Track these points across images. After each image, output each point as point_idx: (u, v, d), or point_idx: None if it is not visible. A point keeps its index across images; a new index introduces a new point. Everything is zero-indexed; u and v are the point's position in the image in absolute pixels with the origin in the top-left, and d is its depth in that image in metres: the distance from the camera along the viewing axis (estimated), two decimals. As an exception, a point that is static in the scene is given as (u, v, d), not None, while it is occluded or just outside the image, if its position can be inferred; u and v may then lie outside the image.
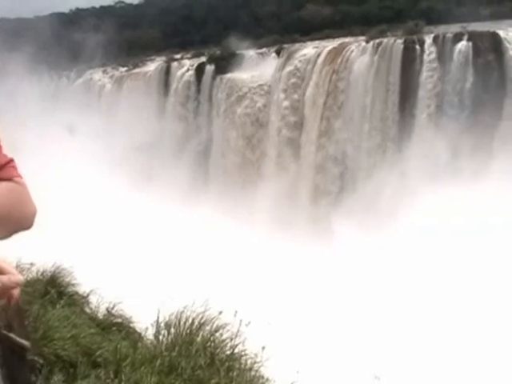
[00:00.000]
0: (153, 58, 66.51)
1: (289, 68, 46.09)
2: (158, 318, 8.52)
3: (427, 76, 38.83)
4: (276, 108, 46.51)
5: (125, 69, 64.09)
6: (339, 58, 43.10)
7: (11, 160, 2.79)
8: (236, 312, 9.64)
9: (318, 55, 44.77)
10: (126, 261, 33.29)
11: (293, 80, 45.58)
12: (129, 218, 41.39)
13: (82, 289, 12.23)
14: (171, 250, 36.43)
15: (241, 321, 9.33)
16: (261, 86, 48.88)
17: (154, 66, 61.40)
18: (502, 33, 37.79)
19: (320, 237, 38.89)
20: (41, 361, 7.20)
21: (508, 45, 36.99)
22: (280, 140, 46.30)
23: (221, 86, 51.59)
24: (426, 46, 39.51)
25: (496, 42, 37.38)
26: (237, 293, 23.28)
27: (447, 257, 29.81)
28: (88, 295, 12.04)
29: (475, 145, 35.78)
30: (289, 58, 46.76)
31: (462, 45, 38.13)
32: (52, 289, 11.24)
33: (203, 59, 56.12)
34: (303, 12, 70.06)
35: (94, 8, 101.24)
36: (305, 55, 45.86)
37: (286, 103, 45.78)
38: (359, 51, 42.28)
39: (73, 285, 12.11)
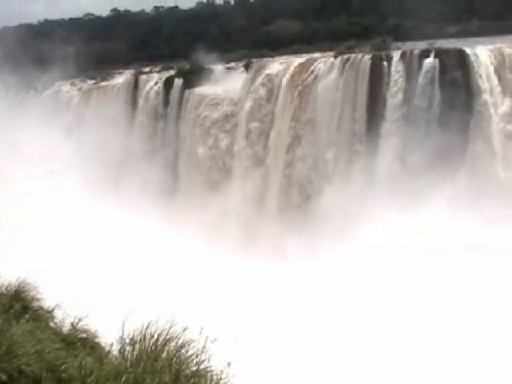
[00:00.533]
0: (121, 70, 66.38)
1: (257, 82, 46.10)
2: (123, 333, 8.45)
3: (394, 92, 39.03)
4: (244, 122, 46.46)
5: (93, 81, 63.90)
6: (307, 72, 43.22)
7: None
8: (202, 329, 9.60)
9: (287, 70, 44.86)
10: (90, 274, 33.13)
11: (261, 94, 45.60)
12: (94, 231, 41.17)
13: (47, 303, 12.11)
14: (137, 264, 36.33)
15: (206, 337, 9.29)
16: (229, 99, 48.88)
17: (122, 78, 61.26)
18: (468, 50, 38.11)
19: (284, 252, 39.12)
20: (4, 377, 7.11)
21: (474, 62, 37.31)
22: (247, 154, 46.24)
23: (189, 100, 51.55)
24: (393, 62, 39.71)
25: (462, 58, 37.69)
26: (203, 309, 23.27)
27: (403, 274, 30.16)
28: (53, 310, 11.91)
29: (442, 162, 36.00)
30: (257, 72, 46.80)
31: (429, 61, 38.38)
32: (16, 303, 11.10)
33: (172, 73, 56.11)
34: (272, 27, 70.39)
35: (62, 20, 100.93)
36: (273, 70, 45.92)
37: (254, 117, 45.74)
38: (327, 66, 42.42)
39: (38, 299, 11.98)
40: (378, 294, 29.74)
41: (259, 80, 46.09)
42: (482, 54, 37.77)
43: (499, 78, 36.88)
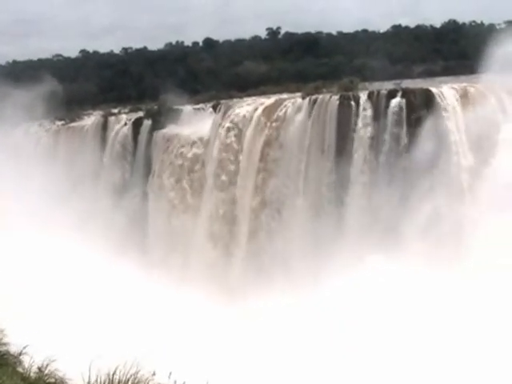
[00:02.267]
0: (90, 111, 66.32)
1: (226, 123, 46.17)
2: (90, 378, 8.37)
3: (363, 132, 39.28)
4: (212, 165, 46.44)
5: (61, 122, 63.69)
6: (275, 113, 43.41)
7: None
8: (170, 373, 9.54)
9: (255, 111, 45.01)
10: (55, 317, 32.84)
11: (230, 136, 45.64)
12: (61, 273, 40.84)
13: (14, 348, 11.96)
14: (105, 306, 36.06)
15: (175, 382, 9.23)
16: (198, 141, 48.91)
17: (91, 120, 61.18)
18: (434, 89, 38.57)
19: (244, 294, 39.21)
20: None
21: (440, 101, 37.73)
22: (215, 197, 46.16)
23: (158, 141, 51.58)
24: (361, 101, 40.00)
25: (429, 98, 38.11)
26: (170, 353, 23.12)
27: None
28: (20, 354, 11.77)
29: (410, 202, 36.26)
30: (225, 113, 46.90)
31: (396, 101, 38.74)
32: (-17, 348, 10.98)
33: (141, 114, 56.15)
34: (240, 68, 70.82)
35: (31, 61, 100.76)
36: (241, 111, 46.05)
37: (222, 159, 45.76)
38: (295, 107, 42.62)
39: (4, 344, 11.86)
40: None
41: (228, 121, 46.18)
42: (448, 92, 38.24)
43: (464, 116, 37.33)
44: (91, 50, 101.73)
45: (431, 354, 27.64)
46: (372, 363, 28.46)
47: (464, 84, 39.54)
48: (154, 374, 9.24)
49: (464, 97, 38.09)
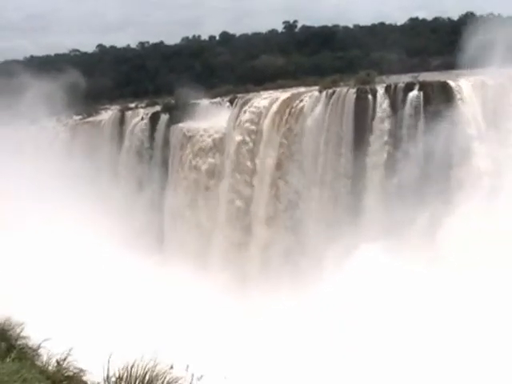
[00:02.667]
0: (107, 106, 66.42)
1: (243, 117, 46.18)
2: (109, 372, 8.38)
3: (380, 125, 39.20)
4: (230, 158, 46.46)
5: (79, 117, 63.87)
6: (293, 107, 43.37)
7: None
8: (188, 366, 9.53)
9: (272, 105, 45.00)
10: (75, 311, 32.99)
11: (247, 130, 45.64)
12: (79, 268, 40.99)
13: (33, 341, 11.99)
14: (122, 301, 36.19)
15: (193, 375, 9.23)
16: (215, 135, 48.92)
17: (108, 114, 61.30)
18: (451, 82, 38.43)
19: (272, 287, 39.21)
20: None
21: (457, 94, 37.61)
22: (233, 189, 46.17)
23: (175, 135, 51.59)
24: (378, 95, 39.91)
25: (446, 91, 37.98)
26: (188, 346, 23.19)
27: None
28: (38, 348, 11.79)
29: (426, 197, 36.18)
30: (243, 107, 46.88)
31: (414, 94, 38.63)
32: (1, 342, 11.01)
33: (157, 108, 56.20)
34: (256, 62, 70.73)
35: (48, 56, 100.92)
36: (259, 104, 46.02)
37: (240, 151, 45.76)
38: (312, 101, 42.57)
39: (23, 337, 11.88)
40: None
41: (245, 115, 46.17)
42: (466, 85, 38.09)
43: (483, 109, 37.21)
44: (108, 45, 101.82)
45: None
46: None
47: (482, 76, 39.31)
48: (171, 368, 9.22)
49: (482, 89, 37.93)
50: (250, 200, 45.55)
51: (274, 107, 44.65)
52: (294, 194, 42.51)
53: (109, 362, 8.78)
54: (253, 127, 45.52)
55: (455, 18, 75.18)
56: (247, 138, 45.60)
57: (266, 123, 44.55)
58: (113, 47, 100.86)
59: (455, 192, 35.97)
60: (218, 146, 48.45)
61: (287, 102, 44.30)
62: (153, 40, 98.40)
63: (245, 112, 46.30)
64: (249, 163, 45.43)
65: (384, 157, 38.74)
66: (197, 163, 49.08)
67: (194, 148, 49.47)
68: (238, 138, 45.85)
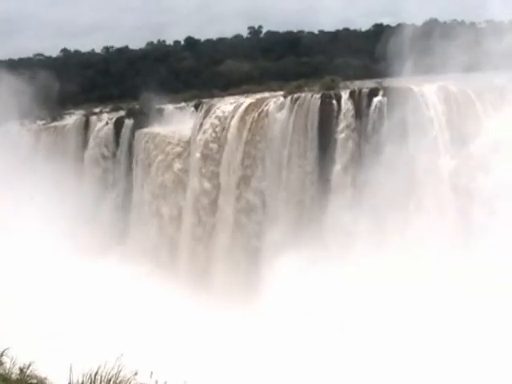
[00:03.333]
0: (71, 111, 66.02)
1: (208, 122, 46.12)
2: (71, 380, 8.32)
3: (344, 130, 39.36)
4: (194, 163, 46.37)
5: (43, 122, 63.39)
6: (258, 112, 43.39)
7: None
8: (152, 373, 9.51)
9: (237, 110, 44.96)
10: (37, 318, 32.74)
11: (212, 134, 45.57)
12: (41, 273, 40.68)
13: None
14: (85, 307, 35.99)
15: (156, 381, 9.20)
16: (180, 140, 48.80)
17: (72, 119, 60.93)
18: (415, 88, 38.67)
19: (235, 294, 39.21)
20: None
21: (422, 99, 37.86)
22: (198, 195, 46.08)
23: (139, 140, 51.38)
24: (342, 100, 40.11)
25: (410, 96, 38.21)
26: (151, 352, 23.15)
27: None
28: (1, 355, 11.68)
29: (391, 203, 36.40)
30: (207, 112, 46.83)
31: (378, 100, 38.83)
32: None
33: (122, 113, 55.96)
34: (222, 67, 70.74)
35: (11, 60, 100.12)
36: (224, 110, 45.99)
37: (204, 157, 45.68)
38: (277, 106, 42.62)
39: (-15, 347, 11.75)
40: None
41: (210, 120, 46.11)
42: (429, 91, 38.36)
43: (447, 114, 37.51)
44: (72, 50, 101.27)
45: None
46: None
47: (445, 82, 39.61)
48: (135, 374, 9.19)
49: (446, 95, 38.23)
50: (215, 205, 45.47)
51: (239, 112, 44.62)
52: (259, 199, 42.49)
53: (71, 369, 8.72)
54: (218, 132, 45.47)
55: (419, 23, 75.80)
56: (212, 143, 45.54)
57: (231, 128, 44.50)
58: (77, 52, 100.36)
59: (421, 197, 36.29)
60: (183, 151, 48.33)
61: (252, 107, 44.30)
62: (118, 45, 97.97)
63: (210, 117, 46.24)
64: (214, 168, 45.36)
65: (349, 162, 38.90)
66: (161, 168, 48.91)
67: (158, 153, 49.30)
68: (203, 143, 45.77)
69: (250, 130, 43.31)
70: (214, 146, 45.46)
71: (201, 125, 46.80)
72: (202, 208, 45.93)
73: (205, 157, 45.65)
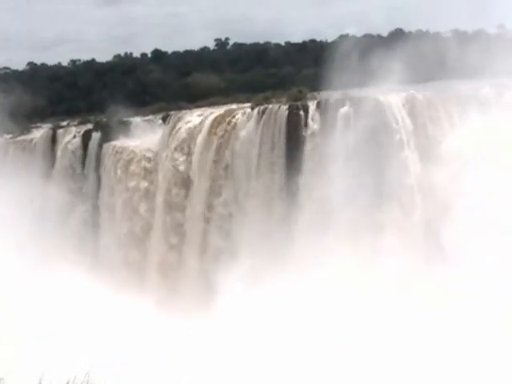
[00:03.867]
0: (39, 124, 65.69)
1: (176, 135, 46.11)
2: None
3: (312, 141, 39.50)
4: (163, 175, 46.32)
5: (10, 136, 63.00)
6: (225, 124, 43.42)
7: None
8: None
9: (205, 122, 44.97)
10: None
11: (179, 147, 45.56)
12: (5, 288, 40.35)
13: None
14: (52, 321, 35.79)
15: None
16: (148, 152, 48.70)
17: (39, 132, 60.60)
18: (381, 97, 38.92)
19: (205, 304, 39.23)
20: None
21: (388, 109, 38.12)
22: (166, 209, 46.00)
23: (107, 153, 51.20)
24: (310, 111, 40.26)
25: (376, 106, 38.44)
26: (120, 364, 23.11)
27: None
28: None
29: (358, 214, 36.65)
30: (175, 125, 46.82)
31: (345, 110, 39.04)
32: None
33: (90, 126, 55.77)
34: (189, 79, 70.77)
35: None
36: (191, 122, 46.01)
37: (172, 170, 45.64)
38: (244, 118, 42.68)
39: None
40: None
41: (178, 132, 46.10)
42: (395, 100, 38.64)
43: (413, 124, 37.84)
44: (39, 63, 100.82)
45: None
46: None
47: (411, 91, 39.93)
48: (103, 387, 9.20)
49: (412, 104, 38.54)
50: (184, 215, 45.41)
51: (207, 124, 44.62)
52: (228, 210, 42.48)
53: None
54: (185, 144, 45.47)
55: (385, 34, 76.31)
56: (180, 155, 45.51)
57: (199, 140, 44.49)
58: (44, 65, 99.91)
59: (388, 203, 36.59)
60: (151, 163, 48.24)
61: (219, 119, 44.32)
62: (84, 57, 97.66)
63: (177, 129, 46.25)
64: (182, 179, 45.33)
65: (317, 172, 39.01)
66: (129, 181, 48.76)
67: (126, 166, 49.16)
68: (171, 154, 45.75)
69: (217, 141, 43.31)
70: (182, 157, 45.43)
71: (169, 137, 46.78)
72: (172, 216, 45.87)
73: (173, 169, 45.62)
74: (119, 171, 49.57)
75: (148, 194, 48.07)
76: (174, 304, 41.17)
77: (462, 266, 31.44)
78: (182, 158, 45.49)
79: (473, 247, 31.10)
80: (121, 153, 50.14)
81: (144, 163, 48.57)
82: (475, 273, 30.77)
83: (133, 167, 48.86)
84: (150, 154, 48.56)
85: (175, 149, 45.72)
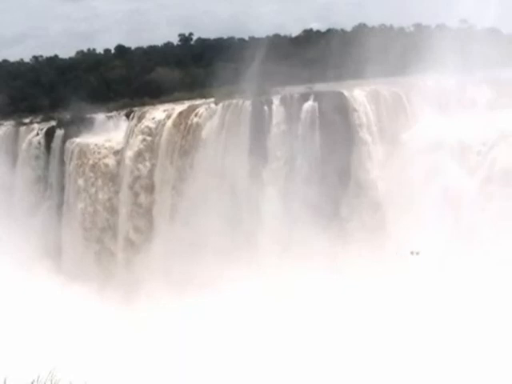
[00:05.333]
0: (1, 122, 65.06)
1: (139, 131, 45.87)
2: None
3: (276, 135, 39.49)
4: (128, 171, 46.05)
5: (-29, 134, 62.40)
6: (189, 119, 43.27)
7: None
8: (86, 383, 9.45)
9: (169, 117, 44.81)
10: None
11: (144, 142, 45.35)
12: None
13: None
14: (14, 320, 35.53)
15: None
16: (111, 149, 48.42)
17: (1, 130, 60.03)
18: (346, 92, 39.03)
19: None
20: None
21: (352, 103, 38.24)
22: (132, 204, 45.76)
23: (70, 150, 50.78)
24: (274, 106, 40.24)
25: (341, 100, 38.54)
26: (85, 362, 23.02)
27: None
28: None
29: (322, 206, 36.81)
30: (139, 121, 46.58)
31: (309, 105, 39.07)
32: None
33: (53, 123, 55.30)
34: (153, 75, 70.34)
35: None
36: (155, 118, 45.81)
37: (137, 165, 45.41)
38: (209, 113, 42.58)
39: None
40: None
41: (142, 128, 45.89)
42: (360, 95, 38.77)
43: (376, 117, 37.99)
44: (0, 60, 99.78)
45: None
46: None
47: (375, 86, 40.09)
48: (69, 386, 9.11)
49: (376, 98, 38.70)
50: (150, 212, 45.22)
51: (171, 120, 44.52)
52: (192, 205, 42.30)
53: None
54: (150, 140, 45.27)
55: (348, 29, 76.48)
56: (144, 151, 45.32)
57: (163, 136, 44.34)
58: (6, 61, 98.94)
59: (353, 199, 36.80)
60: (115, 159, 47.96)
61: (184, 115, 44.23)
62: (47, 54, 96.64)
63: (141, 125, 46.03)
64: (147, 176, 45.14)
65: (281, 166, 39.05)
66: (93, 178, 48.44)
67: (89, 163, 48.81)
68: (135, 151, 45.52)
69: (182, 137, 43.18)
70: (146, 153, 45.23)
71: (133, 133, 46.52)
72: (136, 213, 45.61)
73: (137, 165, 45.38)
74: (83, 168, 49.17)
75: (111, 189, 47.72)
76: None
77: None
78: (146, 154, 45.27)
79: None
80: (85, 150, 49.75)
81: (108, 159, 48.26)
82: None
83: (96, 163, 48.52)
84: (113, 150, 48.27)
85: (139, 145, 45.46)
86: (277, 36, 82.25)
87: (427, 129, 36.19)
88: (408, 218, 33.90)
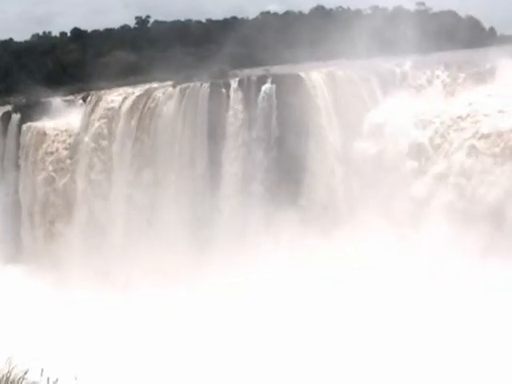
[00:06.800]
0: (-45, 108, 64.30)
1: (96, 114, 45.60)
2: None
3: (234, 119, 39.48)
4: (84, 156, 45.75)
5: None
6: (146, 103, 43.09)
7: None
8: (42, 370, 9.38)
9: (125, 101, 44.56)
10: None
11: (101, 126, 45.07)
12: None
13: None
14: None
15: (48, 379, 9.10)
16: (68, 133, 48.05)
17: (-44, 116, 59.30)
18: (303, 74, 39.11)
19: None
20: None
21: (309, 85, 38.33)
22: (89, 189, 45.48)
23: (27, 135, 50.27)
24: (231, 89, 40.18)
25: (298, 83, 38.61)
26: (41, 350, 22.87)
27: None
28: None
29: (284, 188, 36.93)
30: (95, 104, 46.27)
31: (267, 87, 39.09)
32: None
33: (8, 108, 54.72)
34: (109, 58, 69.87)
35: None
36: (112, 101, 45.51)
37: (94, 150, 45.13)
38: (166, 96, 42.42)
39: None
40: None
41: (98, 112, 45.61)
42: (316, 77, 38.85)
43: (333, 100, 38.13)
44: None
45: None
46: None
47: (332, 68, 40.21)
48: (26, 373, 9.07)
49: (332, 81, 38.80)
50: (107, 200, 44.95)
51: (127, 103, 44.27)
52: (150, 192, 42.15)
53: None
54: (106, 124, 45.02)
55: (306, 11, 76.60)
56: (100, 136, 45.05)
57: (120, 120, 44.09)
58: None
59: (310, 184, 36.95)
60: (71, 144, 47.62)
61: (140, 98, 44.00)
62: (2, 37, 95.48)
63: (98, 109, 45.75)
64: (103, 161, 44.90)
65: (239, 150, 39.09)
66: (49, 163, 48.02)
67: (45, 147, 48.40)
68: (92, 135, 45.26)
69: (139, 121, 42.98)
70: (102, 138, 44.99)
71: (89, 117, 46.22)
72: (93, 201, 45.33)
73: (94, 150, 45.12)
74: (39, 152, 48.73)
75: (68, 175, 47.37)
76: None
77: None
78: (103, 138, 45.01)
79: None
80: (40, 134, 49.30)
81: (64, 144, 47.92)
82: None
83: (53, 148, 48.15)
84: (70, 134, 47.91)
85: (96, 128, 45.18)
86: (234, 18, 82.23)
87: (385, 112, 36.37)
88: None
